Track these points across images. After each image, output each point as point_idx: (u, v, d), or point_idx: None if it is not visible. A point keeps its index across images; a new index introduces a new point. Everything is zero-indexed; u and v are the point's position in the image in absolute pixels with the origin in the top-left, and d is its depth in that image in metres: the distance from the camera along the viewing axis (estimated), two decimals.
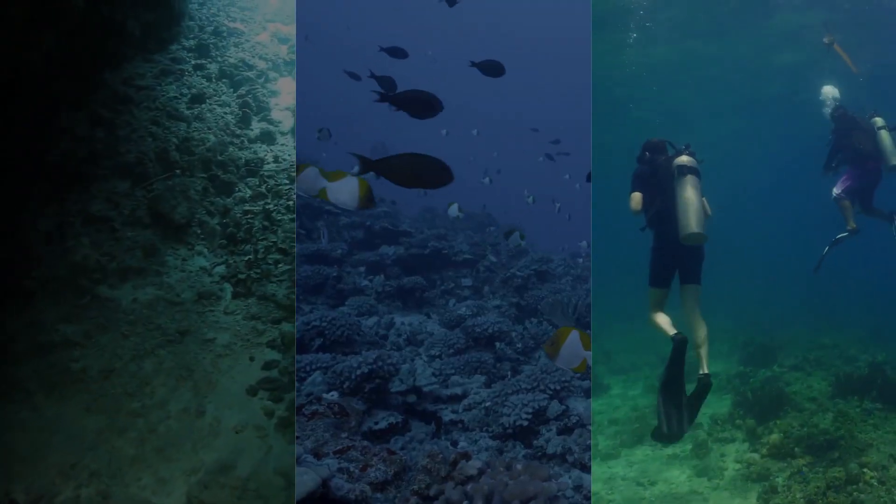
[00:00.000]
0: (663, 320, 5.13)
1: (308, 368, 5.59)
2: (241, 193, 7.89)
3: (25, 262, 6.34)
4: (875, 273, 22.45)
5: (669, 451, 7.84)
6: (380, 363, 5.32)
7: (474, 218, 12.93)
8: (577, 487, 4.55)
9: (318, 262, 8.65)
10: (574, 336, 3.66)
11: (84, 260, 6.60)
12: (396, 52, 6.47)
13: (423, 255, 9.14)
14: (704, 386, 4.90)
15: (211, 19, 10.59)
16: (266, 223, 7.39)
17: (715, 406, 9.12)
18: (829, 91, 7.82)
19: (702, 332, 5.04)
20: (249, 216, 7.51)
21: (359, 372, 5.23)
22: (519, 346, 6.86)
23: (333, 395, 5.11)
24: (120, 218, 7.11)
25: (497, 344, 6.72)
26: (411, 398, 5.49)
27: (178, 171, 7.71)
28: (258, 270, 6.89)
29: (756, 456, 7.28)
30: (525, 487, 3.52)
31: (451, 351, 6.55)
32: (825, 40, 9.34)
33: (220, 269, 7.04)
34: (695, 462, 7.53)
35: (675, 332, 4.98)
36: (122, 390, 5.73)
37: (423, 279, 8.69)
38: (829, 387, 9.14)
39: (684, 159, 5.20)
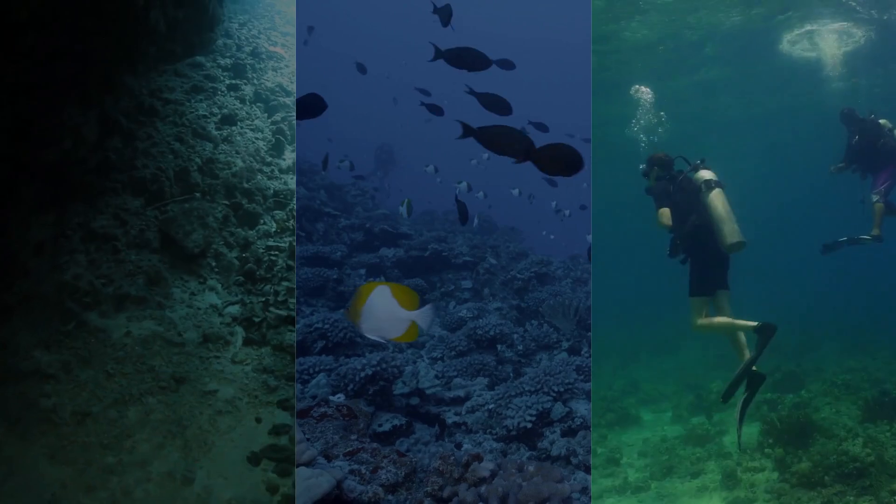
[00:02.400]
0: (740, 341, 5.45)
1: (311, 371, 5.60)
2: (265, 227, 7.05)
3: (7, 274, 5.41)
4: None
5: (699, 482, 7.80)
6: (383, 365, 5.33)
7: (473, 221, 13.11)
8: (584, 490, 4.61)
9: (319, 264, 8.61)
10: (382, 292, 2.68)
11: (75, 280, 5.73)
12: (506, 64, 6.43)
13: (423, 258, 9.26)
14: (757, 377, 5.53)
15: (251, 40, 10.03)
16: (291, 262, 6.51)
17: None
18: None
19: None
20: (273, 252, 6.65)
21: (363, 374, 5.25)
22: (520, 348, 6.96)
23: (340, 398, 5.05)
24: (125, 237, 6.25)
25: (498, 346, 6.82)
26: (414, 400, 5.54)
27: (197, 195, 6.88)
28: (277, 315, 5.95)
29: (786, 486, 7.11)
30: (539, 489, 3.57)
31: (453, 353, 6.64)
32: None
33: (234, 309, 6.13)
34: (725, 493, 7.39)
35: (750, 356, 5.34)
36: (97, 440, 4.87)
37: (423, 281, 8.85)
38: (858, 411, 9.08)
39: (707, 174, 5.48)
